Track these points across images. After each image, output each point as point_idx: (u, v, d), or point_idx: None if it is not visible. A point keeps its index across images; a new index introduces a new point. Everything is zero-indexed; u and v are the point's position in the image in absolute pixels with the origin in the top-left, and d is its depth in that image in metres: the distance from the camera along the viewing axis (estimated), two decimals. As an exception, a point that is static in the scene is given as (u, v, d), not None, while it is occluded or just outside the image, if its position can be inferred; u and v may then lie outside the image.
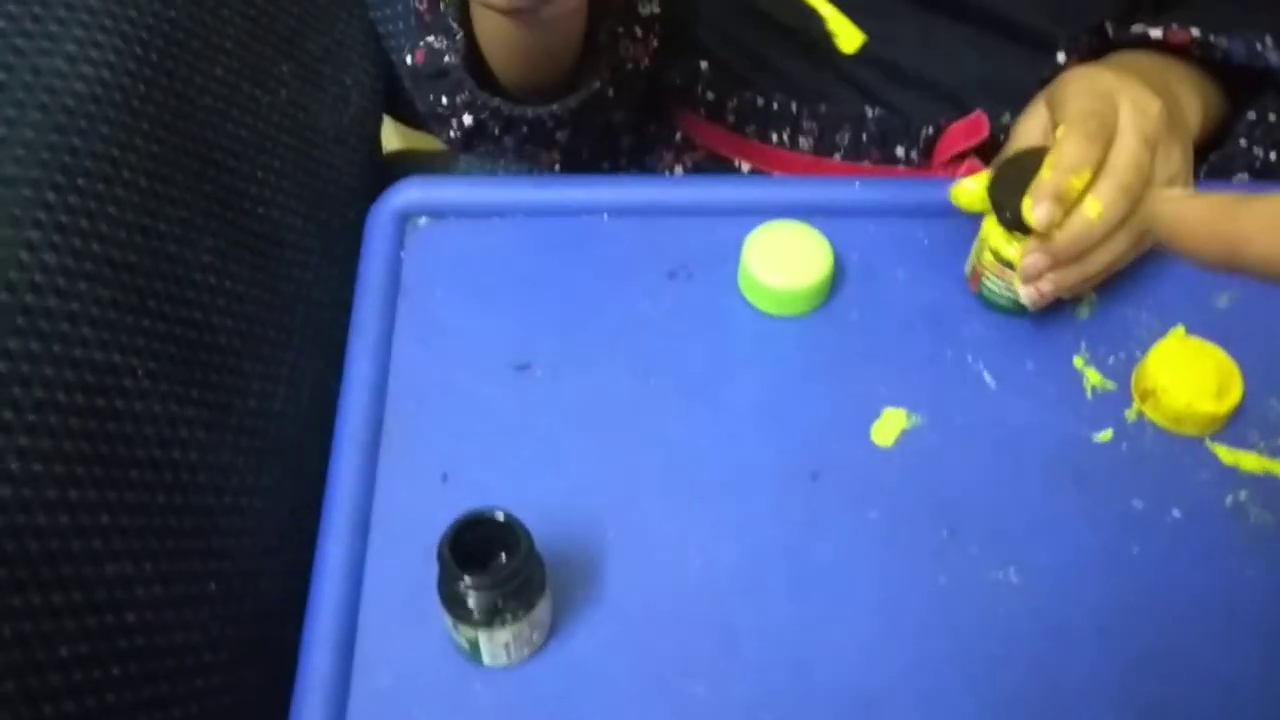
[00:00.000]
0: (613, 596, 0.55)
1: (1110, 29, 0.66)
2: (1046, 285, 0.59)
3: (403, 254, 0.66)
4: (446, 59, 0.63)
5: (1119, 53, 0.67)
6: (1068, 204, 0.56)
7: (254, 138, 0.79)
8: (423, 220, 0.67)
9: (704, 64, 0.77)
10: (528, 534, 0.49)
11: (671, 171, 0.80)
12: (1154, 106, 0.58)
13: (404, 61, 0.66)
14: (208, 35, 0.76)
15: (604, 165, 0.85)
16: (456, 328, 0.63)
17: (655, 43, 0.69)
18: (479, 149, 0.68)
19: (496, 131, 0.66)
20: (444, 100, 0.65)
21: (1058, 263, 0.58)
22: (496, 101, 0.64)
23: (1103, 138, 0.56)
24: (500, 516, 0.48)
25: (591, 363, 0.62)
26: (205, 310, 0.70)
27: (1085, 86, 0.59)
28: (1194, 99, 0.65)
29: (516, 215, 0.67)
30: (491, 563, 0.50)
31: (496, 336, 0.63)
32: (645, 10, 0.66)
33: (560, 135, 0.67)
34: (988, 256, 0.61)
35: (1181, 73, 0.66)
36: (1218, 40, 0.64)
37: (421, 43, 0.65)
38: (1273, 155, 0.68)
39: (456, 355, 0.62)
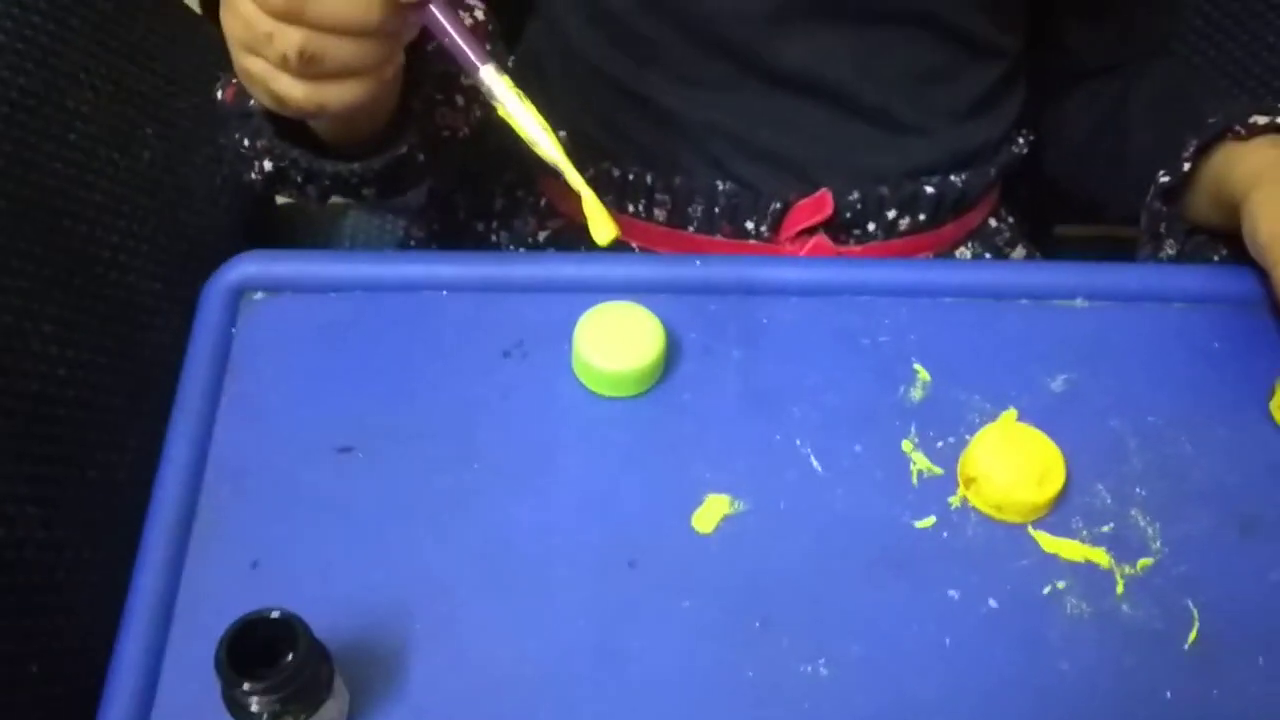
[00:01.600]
0: (414, 692, 0.54)
1: (1264, 119, 0.67)
2: None
3: (234, 330, 0.65)
4: (251, 102, 0.62)
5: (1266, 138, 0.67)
6: None
7: (110, 202, 0.78)
8: (258, 295, 0.67)
9: (562, 133, 0.77)
10: (308, 633, 0.48)
11: (535, 237, 0.80)
12: None
13: (216, 95, 0.65)
14: (62, 100, 0.75)
15: (478, 225, 0.85)
16: (282, 408, 0.63)
17: (478, 112, 0.68)
18: (281, 194, 0.68)
19: (299, 180, 0.66)
20: (246, 142, 0.64)
21: None
22: (296, 153, 0.63)
23: None
24: (276, 615, 0.48)
25: (416, 445, 0.61)
26: (44, 381, 0.69)
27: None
28: None
29: (354, 291, 0.67)
30: (278, 661, 0.50)
31: (322, 417, 0.62)
32: (468, 79, 0.67)
33: (367, 191, 0.67)
34: None
35: None
36: None
37: (234, 79, 0.64)
38: None
39: (279, 436, 0.61)
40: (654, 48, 0.73)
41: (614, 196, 0.76)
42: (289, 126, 0.64)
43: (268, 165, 0.65)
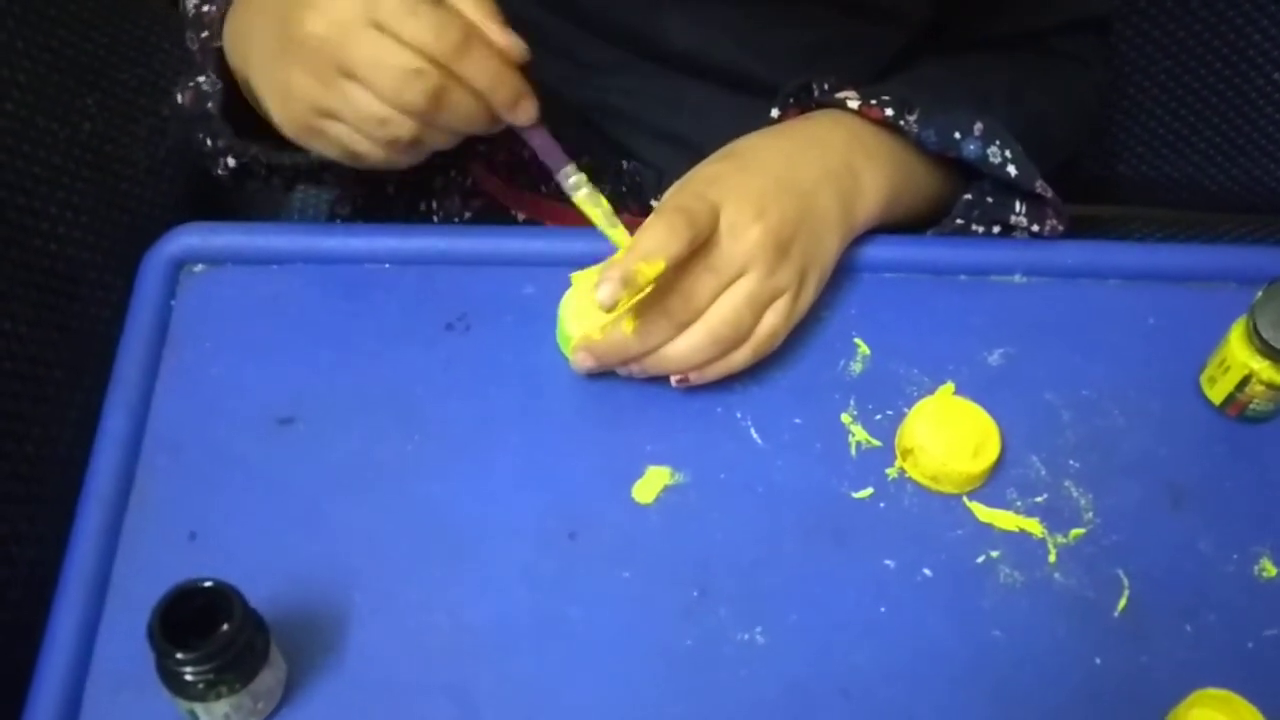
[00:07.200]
0: (353, 662, 0.54)
1: (816, 89, 0.67)
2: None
3: (174, 302, 0.65)
4: (209, 104, 0.63)
5: (822, 112, 0.67)
6: (636, 288, 0.57)
7: (48, 173, 0.77)
8: (198, 267, 0.66)
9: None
10: (243, 602, 0.48)
11: (460, 216, 0.80)
12: (750, 232, 0.60)
13: (175, 99, 0.65)
14: (-2, 70, 0.74)
15: (420, 205, 0.85)
16: (221, 379, 0.62)
17: None
18: (250, 188, 0.68)
19: (264, 173, 0.66)
20: (209, 142, 0.65)
21: (605, 364, 0.61)
22: (255, 149, 0.64)
23: (687, 235, 0.58)
24: (210, 584, 0.48)
25: (357, 417, 0.61)
26: (-22, 354, 0.68)
27: (690, 188, 0.62)
28: (879, 177, 0.66)
29: (295, 263, 0.67)
30: (214, 631, 0.49)
31: (262, 389, 0.62)
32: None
33: (328, 177, 0.67)
34: (1258, 388, 0.62)
35: (877, 146, 0.66)
36: (909, 125, 0.65)
37: (192, 82, 0.64)
38: (995, 229, 0.69)
39: (218, 408, 0.61)
40: (541, 32, 0.73)
41: (528, 178, 0.77)
42: (247, 124, 0.64)
43: (231, 162, 0.66)
